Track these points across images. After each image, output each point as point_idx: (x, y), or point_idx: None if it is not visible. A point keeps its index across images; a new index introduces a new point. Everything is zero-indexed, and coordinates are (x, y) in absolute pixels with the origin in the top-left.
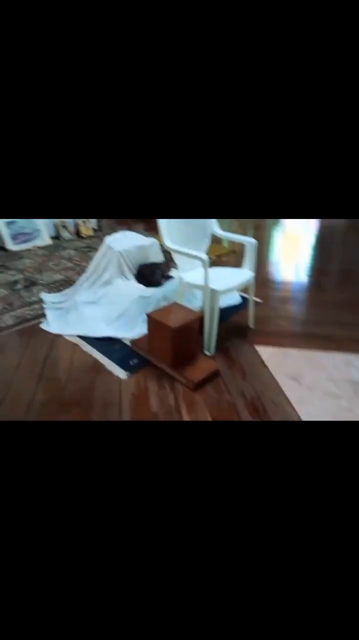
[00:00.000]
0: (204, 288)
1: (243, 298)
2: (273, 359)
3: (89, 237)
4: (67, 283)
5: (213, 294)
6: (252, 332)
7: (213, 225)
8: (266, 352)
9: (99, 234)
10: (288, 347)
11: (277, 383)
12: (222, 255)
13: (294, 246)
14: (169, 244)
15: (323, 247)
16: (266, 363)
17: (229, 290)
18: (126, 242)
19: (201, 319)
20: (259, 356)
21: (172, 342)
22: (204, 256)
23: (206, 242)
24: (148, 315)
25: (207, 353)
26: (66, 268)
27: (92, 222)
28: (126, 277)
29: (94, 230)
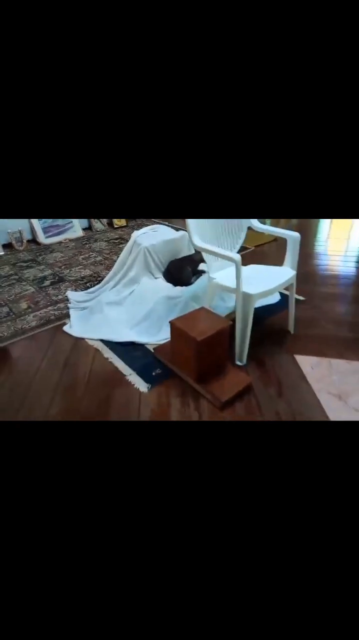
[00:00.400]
0: (236, 291)
1: (282, 295)
2: (316, 371)
3: (122, 227)
4: (95, 279)
5: (246, 298)
6: (292, 338)
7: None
8: (307, 363)
9: (133, 224)
10: (333, 357)
11: (319, 402)
12: (263, 245)
13: (342, 233)
14: (197, 241)
15: None
16: (307, 377)
17: (266, 293)
18: (154, 237)
19: (231, 326)
20: (299, 368)
21: (196, 355)
22: (237, 257)
23: (242, 237)
24: (171, 323)
25: (238, 363)
26: (95, 262)
27: None
28: (152, 274)
29: (128, 220)
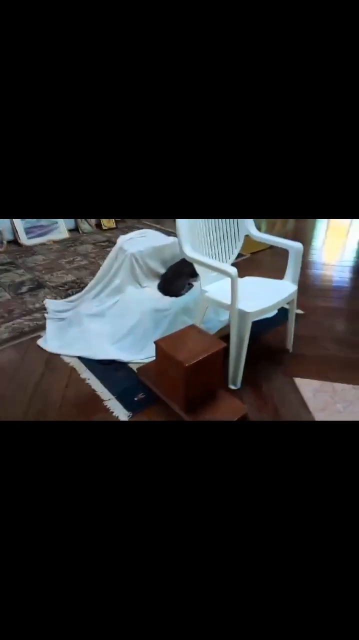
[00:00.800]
0: (231, 308)
1: (280, 308)
2: (317, 398)
3: (111, 229)
4: (77, 286)
5: (243, 316)
6: (291, 358)
7: (247, 224)
8: (308, 388)
9: (122, 226)
10: (337, 381)
11: None
12: (259, 252)
13: (338, 240)
14: (188, 251)
15: None
16: (308, 404)
17: (264, 311)
18: (141, 242)
19: (225, 347)
20: (298, 393)
21: (185, 382)
22: (233, 270)
23: (238, 246)
24: (156, 344)
25: (232, 387)
26: (79, 267)
27: None
28: (139, 284)
29: (117, 221)
